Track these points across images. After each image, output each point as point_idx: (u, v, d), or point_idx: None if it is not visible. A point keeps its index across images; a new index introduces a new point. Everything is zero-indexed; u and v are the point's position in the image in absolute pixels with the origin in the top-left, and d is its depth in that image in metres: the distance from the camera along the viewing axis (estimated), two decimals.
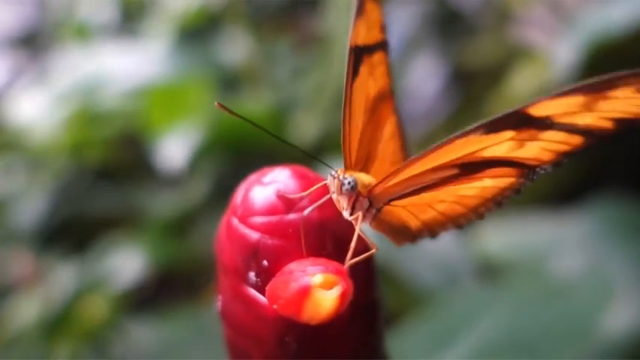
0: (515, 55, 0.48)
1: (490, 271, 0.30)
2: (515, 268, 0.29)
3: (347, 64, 0.14)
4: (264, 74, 0.49)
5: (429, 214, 0.14)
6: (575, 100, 0.13)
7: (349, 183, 0.12)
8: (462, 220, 0.14)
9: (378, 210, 0.13)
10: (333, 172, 0.13)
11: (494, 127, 0.13)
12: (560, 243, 0.30)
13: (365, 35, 0.14)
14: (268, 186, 0.12)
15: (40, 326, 0.41)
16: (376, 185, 0.13)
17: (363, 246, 0.12)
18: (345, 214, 0.13)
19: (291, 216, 0.11)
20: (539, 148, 0.13)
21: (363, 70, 0.14)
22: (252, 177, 0.12)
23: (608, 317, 0.24)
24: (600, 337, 0.25)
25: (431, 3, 0.56)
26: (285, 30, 0.58)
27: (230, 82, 0.49)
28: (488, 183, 0.13)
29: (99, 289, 0.42)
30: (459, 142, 0.13)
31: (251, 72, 0.49)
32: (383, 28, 0.15)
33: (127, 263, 0.43)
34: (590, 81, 0.12)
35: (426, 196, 0.13)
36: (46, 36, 0.62)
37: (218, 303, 0.12)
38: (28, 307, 0.43)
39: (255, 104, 0.45)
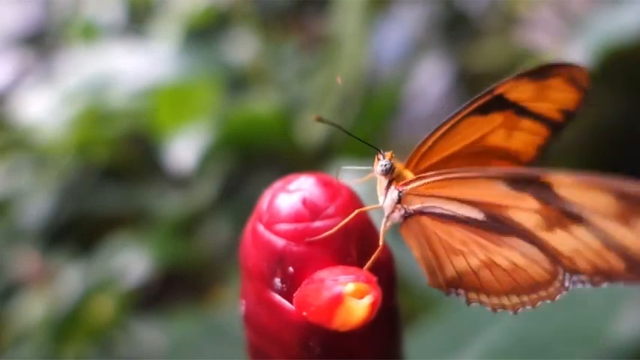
0: (521, 57, 0.48)
1: None
2: None
3: (476, 99, 0.14)
4: (272, 75, 0.49)
5: (461, 263, 0.13)
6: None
7: (385, 165, 0.13)
8: (496, 301, 0.14)
9: (408, 214, 0.13)
10: (379, 154, 0.14)
11: (516, 182, 0.13)
12: None
13: (527, 98, 0.15)
14: (294, 193, 0.12)
15: (48, 325, 0.41)
16: (408, 182, 0.13)
17: (386, 255, 0.12)
18: (380, 199, 0.13)
19: (317, 223, 0.12)
20: (573, 247, 0.13)
21: (496, 117, 0.15)
22: (278, 184, 0.12)
23: (618, 322, 0.24)
24: (610, 341, 0.25)
25: (437, 5, 0.56)
26: (292, 31, 0.58)
27: (237, 82, 0.49)
28: (518, 260, 0.13)
29: (106, 288, 0.42)
30: (482, 182, 0.13)
31: (258, 72, 0.49)
32: (565, 114, 0.15)
33: (134, 263, 0.43)
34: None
35: (455, 233, 0.13)
36: (53, 35, 0.63)
37: (242, 307, 0.12)
38: (35, 307, 0.43)
39: (262, 105, 0.45)
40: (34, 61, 0.62)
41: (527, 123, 0.15)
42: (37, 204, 0.52)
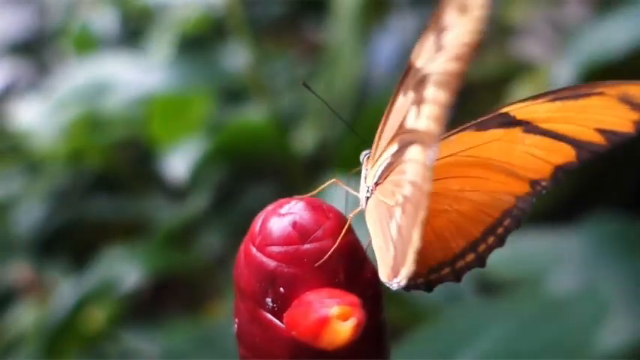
0: (514, 69, 0.49)
1: (490, 287, 0.31)
2: (515, 284, 0.30)
3: (486, 116, 0.14)
4: (266, 85, 0.50)
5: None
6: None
7: (366, 153, 0.14)
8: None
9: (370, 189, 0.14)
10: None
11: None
12: (558, 259, 0.30)
13: (541, 118, 0.14)
14: (285, 217, 0.13)
15: (40, 335, 0.41)
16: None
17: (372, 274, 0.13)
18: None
19: (307, 246, 0.12)
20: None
21: (495, 133, 0.14)
22: (270, 207, 0.13)
23: (605, 331, 0.25)
24: (596, 352, 0.25)
25: (431, 14, 0.57)
26: (287, 40, 0.58)
27: (231, 92, 0.49)
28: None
29: (98, 298, 0.42)
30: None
31: (252, 83, 0.49)
32: (606, 136, 0.14)
33: (126, 273, 0.43)
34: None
35: None
36: (48, 43, 0.63)
37: (234, 325, 0.13)
38: (27, 316, 0.43)
39: (256, 115, 0.45)
40: (28, 69, 0.62)
41: (534, 139, 0.14)
42: (30, 211, 0.52)
